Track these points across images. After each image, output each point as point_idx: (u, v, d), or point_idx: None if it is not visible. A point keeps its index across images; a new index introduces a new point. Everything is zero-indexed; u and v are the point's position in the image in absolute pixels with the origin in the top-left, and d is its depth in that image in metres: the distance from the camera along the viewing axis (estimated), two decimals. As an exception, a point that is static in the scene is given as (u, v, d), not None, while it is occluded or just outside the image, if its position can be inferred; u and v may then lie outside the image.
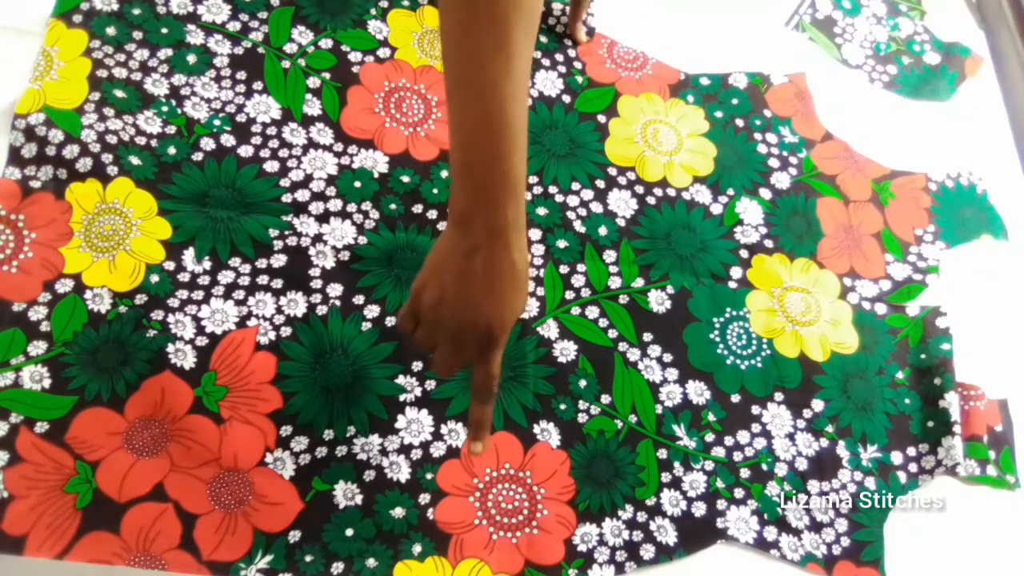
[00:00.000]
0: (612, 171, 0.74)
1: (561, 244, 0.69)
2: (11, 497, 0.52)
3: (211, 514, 0.55)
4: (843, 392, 0.70)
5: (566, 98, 0.76)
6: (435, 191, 0.69)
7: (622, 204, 0.72)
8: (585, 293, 0.68)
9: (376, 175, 0.68)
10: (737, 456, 0.66)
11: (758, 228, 0.74)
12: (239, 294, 0.61)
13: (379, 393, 0.61)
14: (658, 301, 0.69)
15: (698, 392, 0.67)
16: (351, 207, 0.66)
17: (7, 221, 0.58)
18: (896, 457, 0.68)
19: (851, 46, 0.88)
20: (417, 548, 0.58)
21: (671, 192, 0.74)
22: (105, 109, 0.63)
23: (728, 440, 0.66)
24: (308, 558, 0.56)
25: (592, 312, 0.68)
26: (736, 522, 0.63)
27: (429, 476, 0.60)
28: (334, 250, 0.64)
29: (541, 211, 0.70)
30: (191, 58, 0.67)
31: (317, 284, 0.63)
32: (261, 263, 0.63)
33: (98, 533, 0.53)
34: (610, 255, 0.70)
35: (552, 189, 0.71)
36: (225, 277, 0.62)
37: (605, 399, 0.65)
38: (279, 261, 0.63)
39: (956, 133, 0.85)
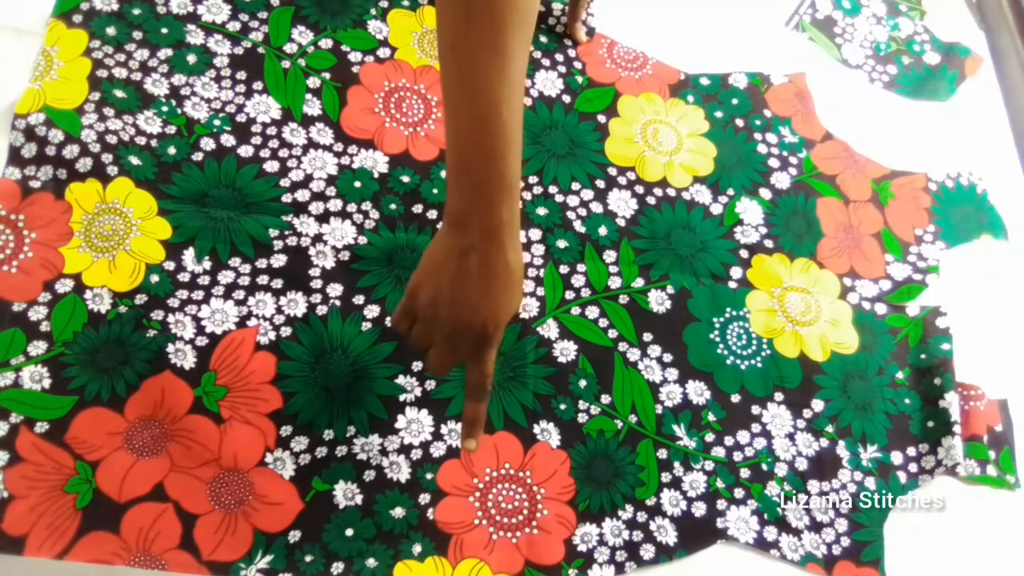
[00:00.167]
0: (612, 171, 0.74)
1: (561, 244, 0.69)
2: (11, 497, 0.52)
3: (211, 514, 0.55)
4: (843, 392, 0.70)
5: (566, 98, 0.76)
6: (435, 191, 0.69)
7: (622, 204, 0.72)
8: (585, 293, 0.68)
9: (376, 175, 0.68)
10: (737, 456, 0.66)
11: (758, 228, 0.74)
12: (239, 294, 0.61)
13: (379, 393, 0.61)
14: (658, 301, 0.69)
15: (698, 392, 0.67)
16: (351, 207, 0.66)
17: (7, 221, 0.58)
18: (896, 457, 0.68)
19: (851, 46, 0.88)
20: (417, 548, 0.58)
21: (671, 192, 0.74)
22: (105, 109, 0.63)
23: (728, 440, 0.66)
24: (308, 558, 0.56)
25: (592, 312, 0.68)
26: (736, 522, 0.63)
27: (429, 476, 0.60)
28: (334, 250, 0.64)
29: (541, 211, 0.70)
30: (191, 58, 0.67)
31: (317, 284, 0.63)
32: (261, 263, 0.63)
33: (98, 533, 0.53)
34: (610, 255, 0.70)
35: (552, 189, 0.71)
36: (225, 277, 0.62)
37: (605, 399, 0.65)
38: (279, 261, 0.63)
39: (956, 133, 0.85)
